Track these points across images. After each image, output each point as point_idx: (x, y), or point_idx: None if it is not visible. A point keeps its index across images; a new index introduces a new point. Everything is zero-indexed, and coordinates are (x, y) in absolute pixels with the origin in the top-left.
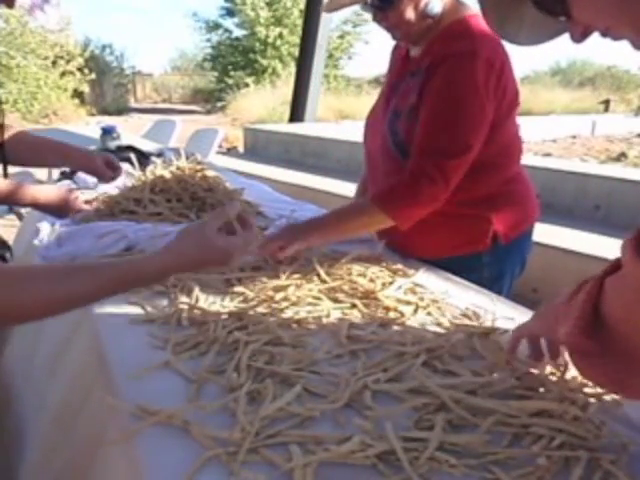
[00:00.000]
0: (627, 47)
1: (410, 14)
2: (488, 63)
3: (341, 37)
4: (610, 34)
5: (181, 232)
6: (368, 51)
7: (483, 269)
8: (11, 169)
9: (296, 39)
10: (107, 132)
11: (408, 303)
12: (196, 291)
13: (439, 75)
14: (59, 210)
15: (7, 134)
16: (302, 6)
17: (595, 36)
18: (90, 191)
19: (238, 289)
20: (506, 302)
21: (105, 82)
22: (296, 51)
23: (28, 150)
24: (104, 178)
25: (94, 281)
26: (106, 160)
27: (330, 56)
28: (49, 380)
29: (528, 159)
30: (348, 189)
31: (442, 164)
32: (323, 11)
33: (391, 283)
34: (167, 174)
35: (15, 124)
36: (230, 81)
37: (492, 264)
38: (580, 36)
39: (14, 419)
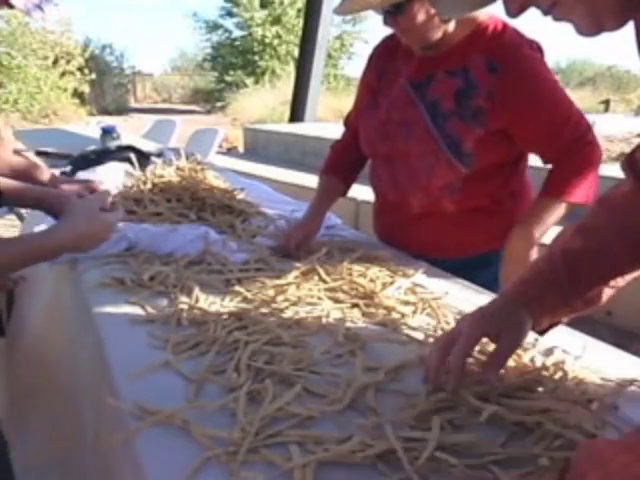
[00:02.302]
0: (627, 47)
1: (422, 18)
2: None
3: (339, 37)
4: (555, 11)
5: (71, 210)
6: (368, 50)
7: (498, 264)
8: None
9: (294, 38)
10: (107, 132)
11: (408, 303)
12: (196, 291)
13: (523, 81)
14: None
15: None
16: (299, 5)
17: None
18: None
19: (238, 289)
20: None
21: (105, 82)
22: (294, 51)
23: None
24: None
25: (6, 255)
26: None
27: (330, 56)
28: (72, 377)
29: (528, 159)
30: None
31: (592, 136)
32: (333, 13)
33: (391, 283)
34: (167, 174)
35: (16, 124)
36: (230, 81)
37: None
38: (517, 10)
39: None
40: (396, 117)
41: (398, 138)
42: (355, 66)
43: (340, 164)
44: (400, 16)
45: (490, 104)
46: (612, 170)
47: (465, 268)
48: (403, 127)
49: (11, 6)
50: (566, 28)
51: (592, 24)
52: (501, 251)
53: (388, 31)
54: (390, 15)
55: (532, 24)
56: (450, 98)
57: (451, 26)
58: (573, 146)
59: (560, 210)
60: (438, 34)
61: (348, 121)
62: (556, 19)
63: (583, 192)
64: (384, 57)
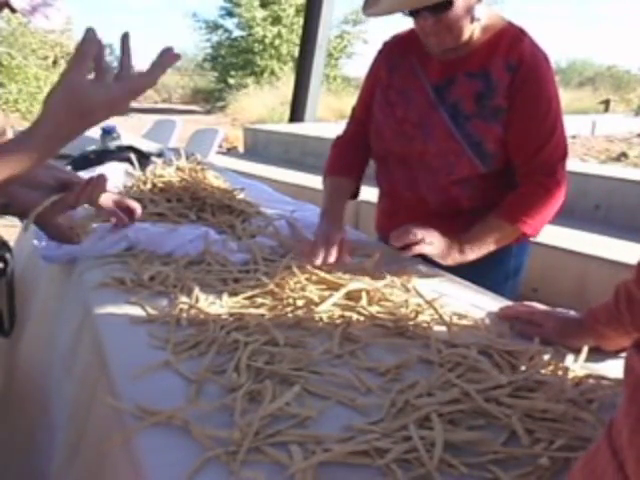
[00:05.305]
0: (627, 47)
1: (463, 15)
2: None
3: (340, 37)
4: None
5: (50, 98)
6: (367, 50)
7: (510, 260)
8: None
9: (294, 38)
10: (107, 132)
11: (407, 303)
12: (196, 291)
13: (531, 82)
14: (52, 231)
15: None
16: (299, 5)
17: (595, 36)
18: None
19: (238, 289)
20: (505, 302)
21: None
22: (295, 50)
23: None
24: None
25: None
26: (118, 202)
27: (330, 56)
28: (66, 376)
29: None
30: None
31: (561, 171)
32: (363, 14)
33: (392, 284)
34: (167, 174)
35: (15, 124)
36: (230, 81)
37: (518, 255)
38: None
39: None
40: (414, 118)
41: (415, 139)
42: (355, 66)
43: (347, 162)
44: (444, 13)
45: (508, 102)
46: (612, 170)
47: (476, 265)
48: (421, 128)
49: (13, 10)
50: (566, 28)
51: None
52: (513, 247)
53: (388, 32)
54: (432, 13)
55: (532, 24)
56: (470, 100)
57: (477, 29)
58: (543, 169)
59: (505, 233)
60: (468, 33)
61: (354, 115)
62: None
63: (534, 223)
64: (395, 53)
